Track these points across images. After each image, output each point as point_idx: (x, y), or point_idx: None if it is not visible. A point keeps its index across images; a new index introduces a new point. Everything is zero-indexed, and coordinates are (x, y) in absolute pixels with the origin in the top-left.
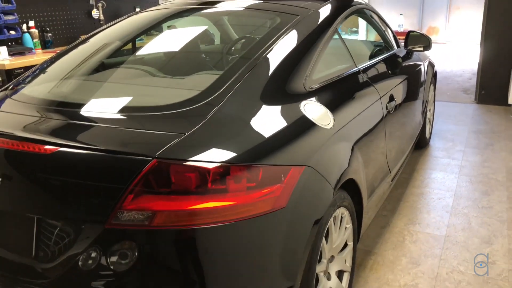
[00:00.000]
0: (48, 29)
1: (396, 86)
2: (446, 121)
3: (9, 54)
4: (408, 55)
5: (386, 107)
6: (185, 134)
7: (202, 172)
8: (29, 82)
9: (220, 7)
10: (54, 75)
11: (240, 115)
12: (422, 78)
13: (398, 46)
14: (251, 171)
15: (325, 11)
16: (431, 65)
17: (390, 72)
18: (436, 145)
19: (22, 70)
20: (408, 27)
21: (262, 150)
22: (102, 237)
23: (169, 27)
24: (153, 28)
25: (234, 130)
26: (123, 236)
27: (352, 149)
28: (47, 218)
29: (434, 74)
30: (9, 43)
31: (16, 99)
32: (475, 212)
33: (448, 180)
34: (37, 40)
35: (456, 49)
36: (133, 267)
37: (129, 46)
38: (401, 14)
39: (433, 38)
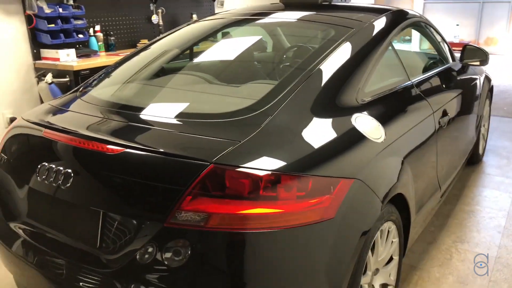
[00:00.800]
0: (111, 33)
1: (450, 101)
2: (501, 137)
3: (76, 56)
4: (464, 69)
5: (439, 122)
6: (240, 141)
7: (255, 179)
8: (96, 84)
9: (275, 17)
10: (119, 79)
11: (293, 125)
12: (477, 93)
13: (453, 59)
14: (301, 181)
15: (379, 24)
16: (487, 79)
17: (444, 86)
18: (490, 162)
19: (88, 71)
20: (465, 37)
21: (312, 161)
22: (161, 234)
23: (225, 36)
24: (210, 37)
25: (286, 140)
26: (180, 235)
27: (402, 164)
28: (111, 213)
29: (490, 89)
30: (77, 46)
31: (85, 100)
32: None
33: (501, 199)
34: (101, 43)
35: None
36: (186, 265)
37: (187, 53)
38: (457, 25)
39: (491, 49)
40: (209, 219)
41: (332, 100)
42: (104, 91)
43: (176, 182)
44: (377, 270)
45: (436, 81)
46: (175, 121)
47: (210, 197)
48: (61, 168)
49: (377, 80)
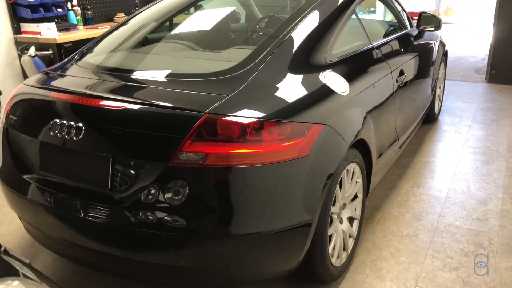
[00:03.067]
0: (88, 7)
1: (407, 62)
2: (456, 99)
3: (57, 30)
4: (420, 34)
5: (396, 80)
6: (228, 95)
7: (243, 126)
8: (89, 52)
9: None
10: (109, 47)
11: (272, 81)
12: (433, 57)
13: (411, 26)
14: (281, 126)
15: None
16: (442, 44)
17: (402, 49)
18: (445, 120)
19: (70, 44)
20: (426, 8)
21: (290, 110)
22: (166, 172)
23: (201, 7)
24: (187, 8)
25: (267, 93)
26: (182, 173)
27: (364, 114)
28: (121, 158)
29: (445, 53)
30: (56, 20)
31: (82, 66)
32: (474, 178)
33: (453, 151)
34: (79, 17)
35: (472, 30)
36: (187, 197)
37: (168, 24)
38: None
39: (450, 18)
40: (206, 158)
41: (304, 60)
42: (97, 57)
43: (177, 130)
44: (344, 205)
45: (394, 45)
46: (168, 80)
47: (206, 141)
48: (72, 123)
49: (343, 43)
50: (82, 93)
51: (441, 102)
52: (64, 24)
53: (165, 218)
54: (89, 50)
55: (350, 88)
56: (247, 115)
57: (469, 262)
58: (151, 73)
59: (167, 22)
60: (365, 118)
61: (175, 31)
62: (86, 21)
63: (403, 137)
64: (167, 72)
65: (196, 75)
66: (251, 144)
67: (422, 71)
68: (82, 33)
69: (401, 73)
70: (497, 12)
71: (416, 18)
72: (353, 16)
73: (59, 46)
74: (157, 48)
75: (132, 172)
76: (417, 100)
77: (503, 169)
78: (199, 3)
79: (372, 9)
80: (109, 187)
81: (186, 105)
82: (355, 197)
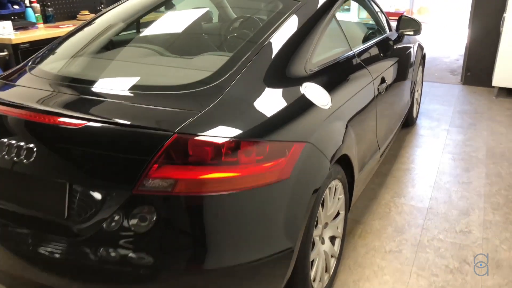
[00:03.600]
0: (49, 3)
1: (388, 69)
2: (432, 101)
3: (13, 29)
4: (399, 38)
5: (378, 89)
6: (200, 112)
7: (217, 146)
8: (46, 58)
9: None
10: (68, 52)
11: (248, 96)
12: (412, 60)
13: (390, 29)
14: (259, 146)
15: None
16: (420, 47)
17: (382, 55)
18: (423, 124)
19: (28, 45)
20: (400, 7)
21: (268, 127)
22: (129, 202)
23: (171, 7)
24: (157, 8)
25: (243, 109)
26: (148, 201)
27: (346, 127)
28: (78, 184)
29: (423, 56)
30: (12, 18)
31: (36, 75)
32: (455, 187)
33: (432, 157)
34: (38, 14)
35: (446, 30)
36: (154, 229)
37: (135, 26)
38: None
39: (423, 18)
40: (176, 184)
41: (283, 71)
42: (55, 65)
43: (142, 152)
44: (326, 224)
45: (375, 51)
46: (133, 94)
47: (175, 165)
48: (23, 143)
49: (323, 51)
50: (33, 108)
51: (418, 106)
52: (21, 22)
53: (130, 253)
54: (46, 55)
55: (331, 100)
56: (221, 134)
57: (454, 280)
58: (114, 84)
59: (135, 23)
60: (347, 132)
61: (144, 33)
62: (47, 19)
63: (384, 146)
64: (133, 83)
65: (165, 88)
66: (227, 167)
67: (402, 77)
68: (41, 32)
69: (382, 80)
70: (472, 14)
71: (392, 18)
72: (333, 19)
73: (15, 47)
74: (123, 54)
75: (92, 200)
76: (397, 106)
77: (483, 176)
78: (170, 2)
79: (346, 7)
80: (65, 216)
81: (153, 123)
82: (337, 214)
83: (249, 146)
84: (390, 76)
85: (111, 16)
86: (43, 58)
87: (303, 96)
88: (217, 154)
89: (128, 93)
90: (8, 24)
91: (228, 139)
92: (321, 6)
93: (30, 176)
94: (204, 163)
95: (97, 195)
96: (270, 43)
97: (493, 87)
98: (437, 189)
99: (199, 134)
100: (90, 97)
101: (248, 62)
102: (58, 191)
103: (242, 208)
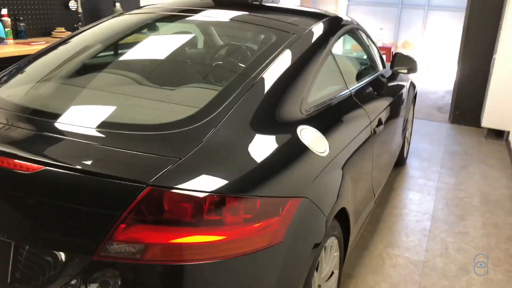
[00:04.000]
0: (21, 18)
1: (384, 110)
2: (421, 140)
3: None
4: (393, 75)
5: (375, 131)
6: (180, 159)
7: (198, 202)
8: (5, 82)
9: (208, 15)
10: (33, 77)
11: (237, 140)
12: (405, 99)
13: (383, 65)
14: (248, 202)
15: (318, 31)
16: (412, 85)
17: (377, 93)
18: (413, 164)
19: None
20: (386, 41)
21: (260, 180)
22: (88, 269)
23: (154, 31)
24: (138, 32)
25: (230, 157)
26: (111, 269)
27: (344, 177)
28: (26, 245)
29: (415, 95)
30: None
31: None
32: (452, 238)
33: (425, 202)
34: (9, 29)
35: (430, 66)
36: None
37: (113, 49)
38: (381, 29)
39: (407, 52)
40: (146, 251)
41: (277, 112)
42: (14, 91)
43: (107, 207)
44: (319, 286)
45: (370, 90)
46: (103, 133)
47: (147, 224)
48: None
49: (319, 89)
50: None
51: (409, 145)
52: None
53: None
54: (8, 78)
55: (330, 146)
56: (203, 188)
57: None
58: (81, 119)
59: (113, 46)
60: (345, 181)
61: (122, 57)
62: (18, 35)
63: (378, 191)
64: (102, 119)
65: (139, 127)
66: (209, 228)
67: (396, 116)
68: (10, 49)
69: (379, 122)
70: (462, 52)
71: (383, 52)
72: (329, 55)
73: None
74: (96, 81)
75: (41, 265)
76: (392, 147)
77: (479, 226)
78: (153, 26)
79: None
80: (8, 281)
81: (122, 172)
82: (331, 274)
83: (236, 203)
84: (385, 116)
85: (88, 36)
86: (3, 81)
87: (298, 141)
88: (198, 212)
89: (95, 132)
90: None
91: (210, 193)
92: (317, 39)
93: None
94: (182, 223)
95: (48, 260)
96: (262, 79)
97: (482, 127)
98: (432, 239)
99: (176, 186)
100: (50, 134)
101: (238, 99)
102: (1, 251)
103: (225, 280)
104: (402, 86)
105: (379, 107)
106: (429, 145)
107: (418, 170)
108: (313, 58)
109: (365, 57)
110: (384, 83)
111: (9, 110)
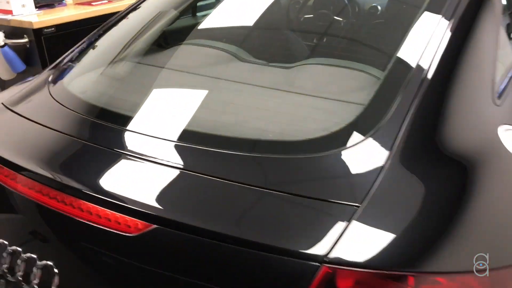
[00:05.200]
0: None
1: None
2: None
3: (35, 7)
4: None
5: None
6: (359, 205)
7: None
8: (75, 70)
9: None
10: (105, 57)
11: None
12: None
13: None
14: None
15: None
16: None
17: None
18: None
19: (53, 29)
20: None
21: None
22: None
23: None
24: None
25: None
26: None
27: None
28: None
29: None
30: None
31: (59, 100)
32: None
33: None
34: None
35: None
36: None
37: (190, 11)
38: None
39: None
40: None
41: (471, 109)
42: (85, 82)
43: None
44: None
45: None
46: (214, 153)
47: None
48: (34, 256)
49: (501, 65)
50: (49, 181)
51: None
52: None
53: None
54: (79, 63)
55: None
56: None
57: None
58: (178, 132)
59: (190, 9)
60: None
61: (207, 23)
62: None
63: None
64: (216, 130)
65: (281, 147)
66: None
67: None
68: (70, 11)
69: None
70: None
71: None
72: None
73: (38, 32)
74: (187, 59)
75: None
76: None
77: None
78: None
79: None
80: None
81: (266, 238)
82: None
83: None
84: None
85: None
86: (71, 68)
87: (505, 151)
88: None
89: (205, 156)
90: (29, 1)
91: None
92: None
93: None
94: None
95: None
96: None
97: None
98: None
99: (371, 265)
100: (162, 162)
101: (411, 92)
102: None
103: None
104: None
105: None
106: None
107: None
108: (493, 17)
109: None
110: None
111: (82, 111)
